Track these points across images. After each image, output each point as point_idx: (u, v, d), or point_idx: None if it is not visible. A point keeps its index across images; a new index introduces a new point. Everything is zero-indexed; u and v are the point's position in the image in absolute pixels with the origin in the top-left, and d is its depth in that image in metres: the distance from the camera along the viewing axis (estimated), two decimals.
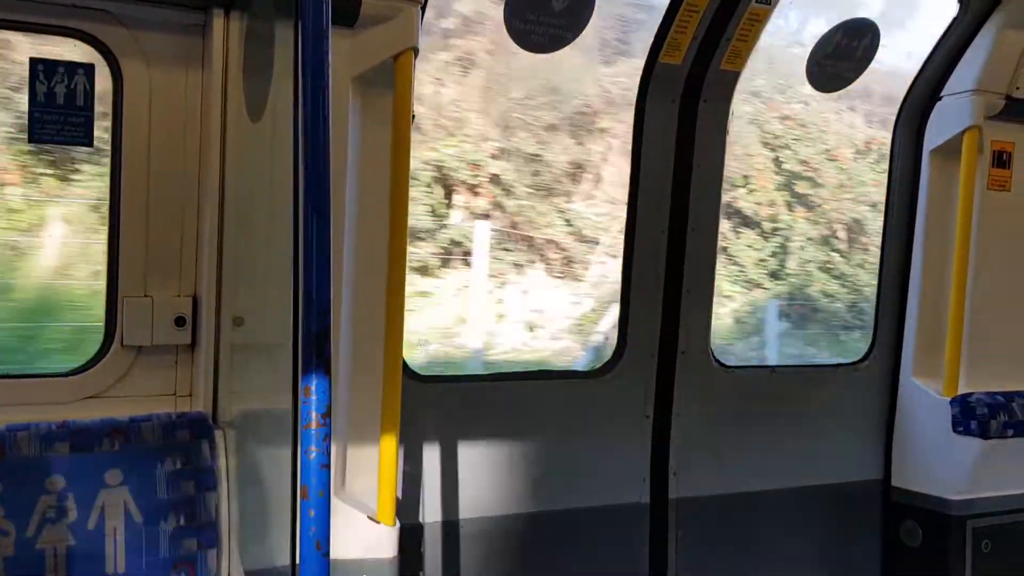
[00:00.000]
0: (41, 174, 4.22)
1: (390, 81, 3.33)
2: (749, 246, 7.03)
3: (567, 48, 4.34)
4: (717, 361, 5.10)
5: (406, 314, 3.39)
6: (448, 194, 6.70)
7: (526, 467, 4.65)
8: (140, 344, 3.66)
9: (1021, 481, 5.39)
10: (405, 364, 3.88)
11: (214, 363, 3.65)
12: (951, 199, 5.35)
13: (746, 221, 6.94)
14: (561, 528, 4.73)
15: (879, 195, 5.70)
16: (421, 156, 6.10)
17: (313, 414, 2.09)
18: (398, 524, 3.39)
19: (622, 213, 4.89)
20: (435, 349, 6.54)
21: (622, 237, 4.89)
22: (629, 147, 4.82)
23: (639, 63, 4.75)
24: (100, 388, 3.64)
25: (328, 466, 2.10)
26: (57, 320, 4.54)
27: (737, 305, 7.28)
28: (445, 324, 6.77)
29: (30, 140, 3.57)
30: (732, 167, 6.08)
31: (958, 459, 5.26)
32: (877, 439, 5.60)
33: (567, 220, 6.98)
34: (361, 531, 3.32)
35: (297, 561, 2.12)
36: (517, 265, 6.96)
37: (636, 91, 4.76)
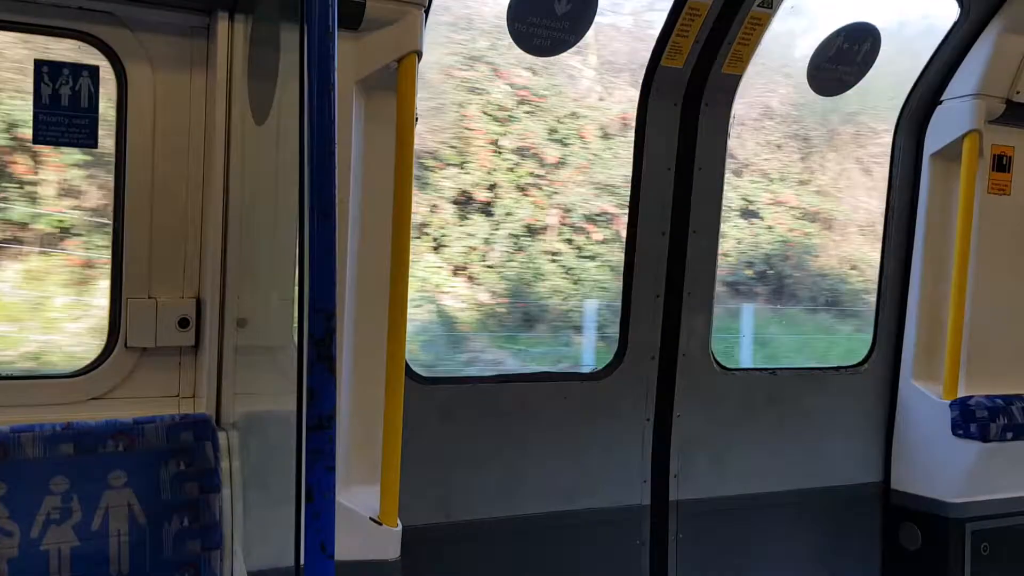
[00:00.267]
0: None
1: (393, 84, 3.35)
2: (471, 235, 5.82)
3: None
4: (718, 363, 5.11)
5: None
6: None
7: (527, 469, 4.66)
8: (144, 346, 3.67)
9: (1020, 484, 5.40)
10: (407, 365, 3.89)
11: (218, 365, 3.65)
12: (951, 203, 5.36)
13: (463, 206, 5.69)
14: (562, 530, 4.74)
15: (622, 176, 5.07)
16: None
17: (318, 416, 2.10)
18: (400, 525, 3.40)
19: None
20: None
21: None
22: None
23: None
24: (104, 390, 3.64)
25: (333, 468, 2.11)
26: None
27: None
28: None
29: (34, 142, 3.58)
30: (429, 142, 5.31)
31: (957, 462, 5.27)
32: (877, 442, 5.62)
33: None
34: (364, 533, 3.33)
35: (301, 563, 2.13)
36: None
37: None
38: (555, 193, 6.01)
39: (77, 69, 3.56)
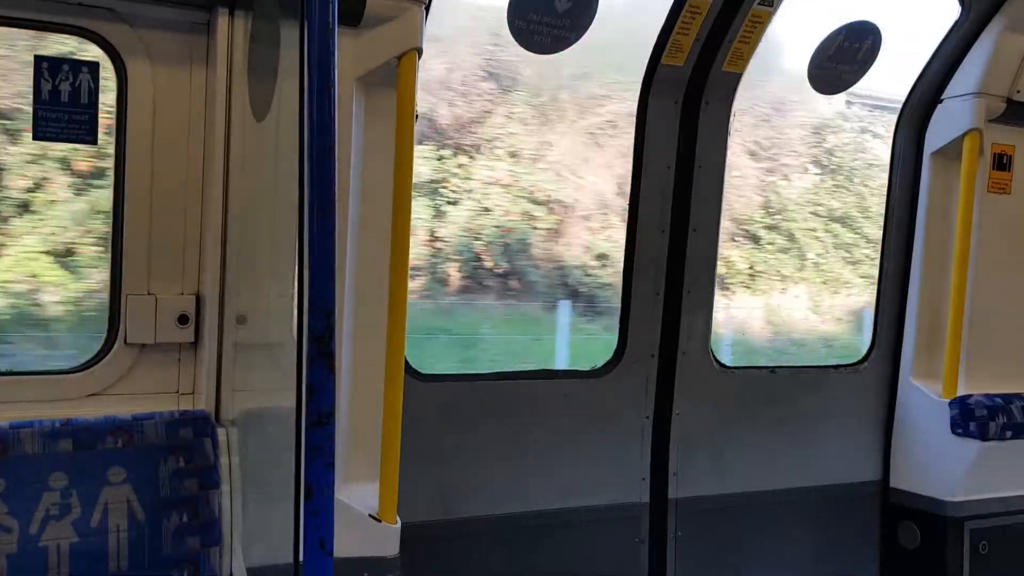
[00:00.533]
0: None
1: (393, 81, 3.34)
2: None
3: None
4: (717, 361, 5.11)
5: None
6: None
7: (526, 466, 4.66)
8: (143, 342, 3.67)
9: (1019, 483, 5.41)
10: (406, 363, 3.89)
11: (217, 361, 3.65)
12: (951, 201, 5.37)
13: None
14: (561, 527, 4.74)
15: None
16: None
17: (317, 413, 2.10)
18: (399, 522, 3.40)
19: None
20: None
21: None
22: None
23: None
24: (103, 386, 3.64)
25: (332, 465, 2.10)
26: None
27: None
28: None
29: (34, 138, 3.58)
30: None
31: (956, 461, 5.28)
32: (876, 440, 5.62)
33: None
34: (363, 529, 3.33)
35: (300, 560, 2.13)
36: None
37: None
38: None
39: (77, 65, 3.56)
